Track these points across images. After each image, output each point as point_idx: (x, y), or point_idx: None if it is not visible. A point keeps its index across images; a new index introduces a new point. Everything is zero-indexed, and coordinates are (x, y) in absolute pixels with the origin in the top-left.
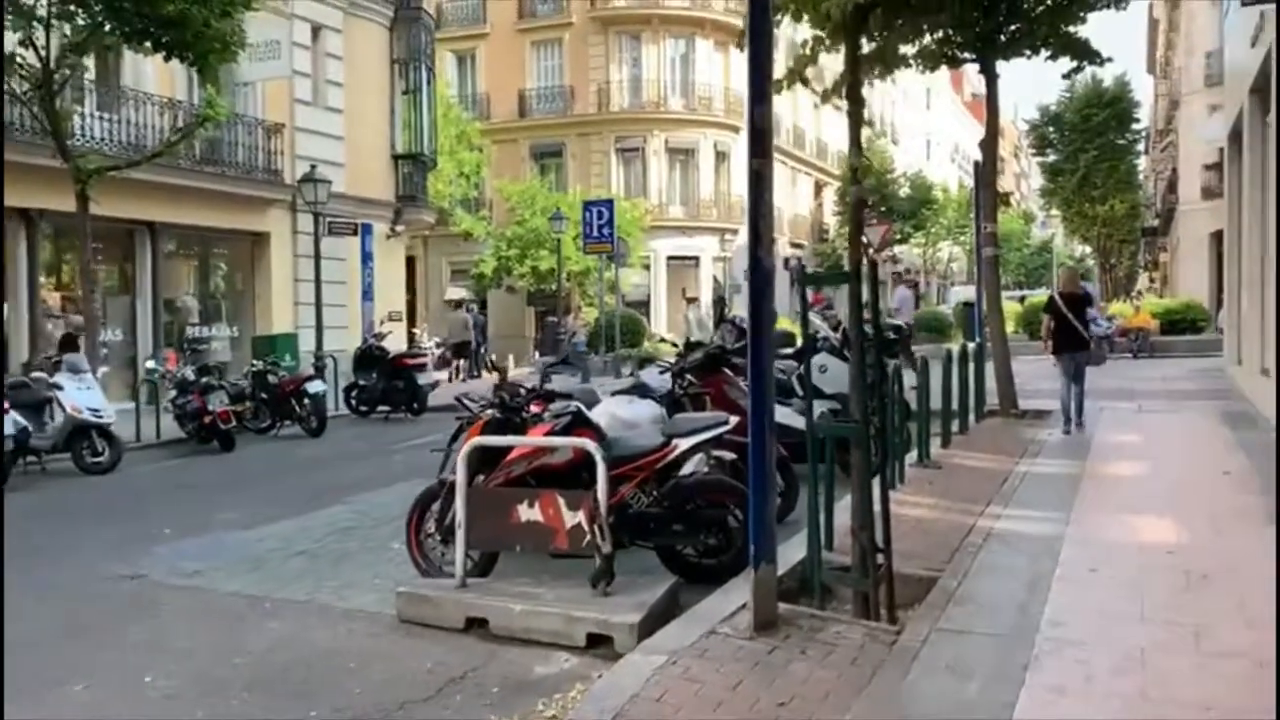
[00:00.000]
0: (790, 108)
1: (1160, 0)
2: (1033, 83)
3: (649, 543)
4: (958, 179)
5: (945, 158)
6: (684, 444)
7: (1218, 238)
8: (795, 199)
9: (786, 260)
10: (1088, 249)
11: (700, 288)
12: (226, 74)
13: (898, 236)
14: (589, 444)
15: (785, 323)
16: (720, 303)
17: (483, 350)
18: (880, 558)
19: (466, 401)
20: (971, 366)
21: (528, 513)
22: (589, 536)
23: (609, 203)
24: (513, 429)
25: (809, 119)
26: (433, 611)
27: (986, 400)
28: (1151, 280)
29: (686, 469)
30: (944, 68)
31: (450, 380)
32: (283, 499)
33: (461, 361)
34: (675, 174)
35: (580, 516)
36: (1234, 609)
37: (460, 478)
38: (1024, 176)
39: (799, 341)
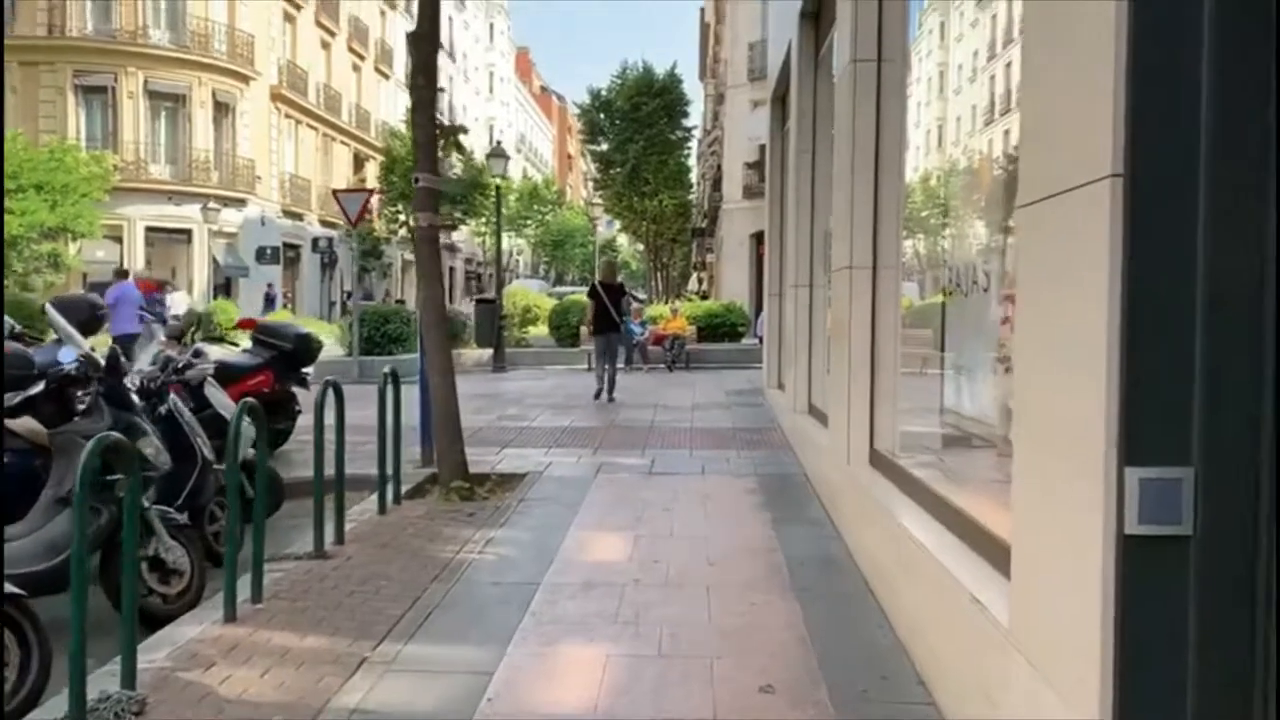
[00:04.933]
0: (321, 63)
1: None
2: (591, 74)
3: None
4: (522, 169)
5: (510, 147)
6: None
7: (758, 238)
8: (330, 171)
9: (315, 240)
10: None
11: (194, 268)
12: None
13: (447, 222)
14: None
15: (315, 324)
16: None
17: None
18: None
19: None
20: (392, 405)
21: None
22: None
23: None
24: None
25: (347, 81)
26: None
27: (435, 455)
28: (700, 281)
29: None
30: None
31: None
32: None
33: None
34: (160, 124)
35: None
36: None
37: None
38: (589, 176)
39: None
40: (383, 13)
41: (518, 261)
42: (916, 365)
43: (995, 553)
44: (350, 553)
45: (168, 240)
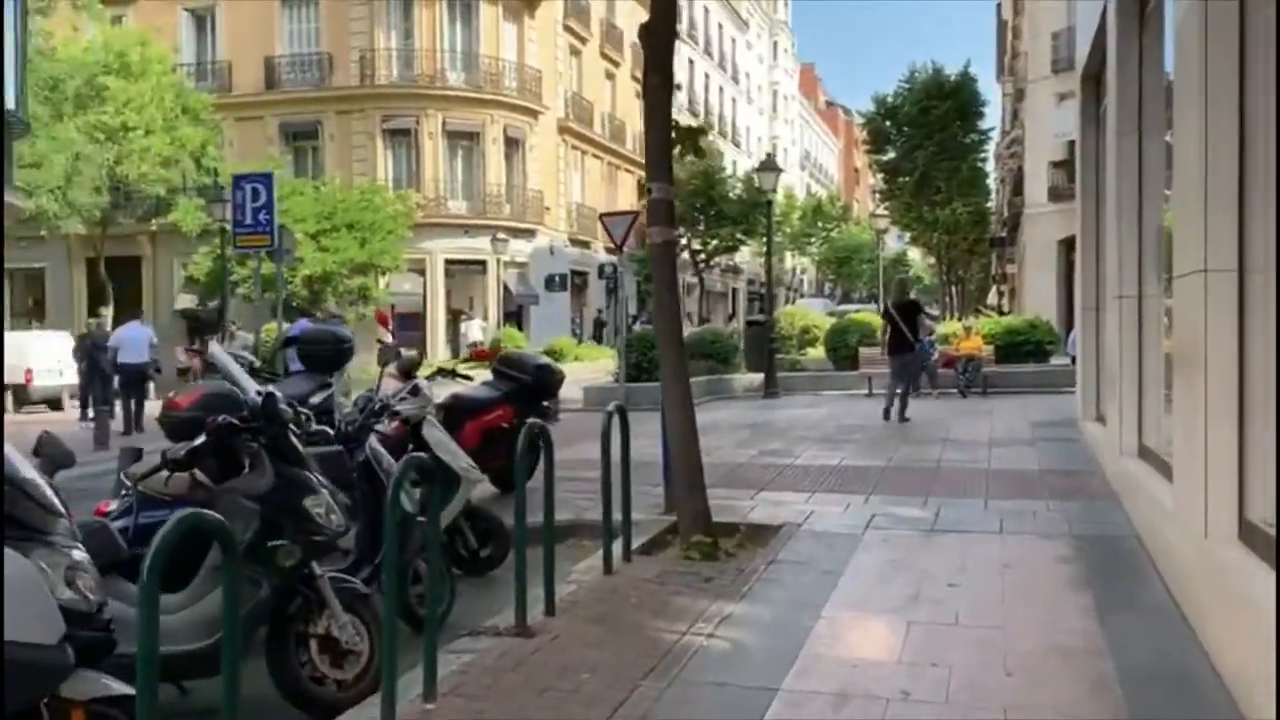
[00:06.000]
0: (606, 94)
1: None
2: (875, 79)
3: None
4: (806, 186)
5: (794, 165)
6: None
7: (1068, 245)
8: (615, 199)
9: (601, 267)
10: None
11: (488, 298)
12: None
13: (728, 244)
14: None
15: (596, 349)
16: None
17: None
18: None
19: None
20: (619, 440)
21: None
22: None
23: (266, 177)
24: None
25: (631, 110)
26: None
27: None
28: (1001, 294)
29: None
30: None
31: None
32: None
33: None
34: (456, 162)
35: None
36: None
37: None
38: (877, 190)
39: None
40: None
41: (801, 280)
42: None
43: None
44: (558, 629)
45: (465, 271)
